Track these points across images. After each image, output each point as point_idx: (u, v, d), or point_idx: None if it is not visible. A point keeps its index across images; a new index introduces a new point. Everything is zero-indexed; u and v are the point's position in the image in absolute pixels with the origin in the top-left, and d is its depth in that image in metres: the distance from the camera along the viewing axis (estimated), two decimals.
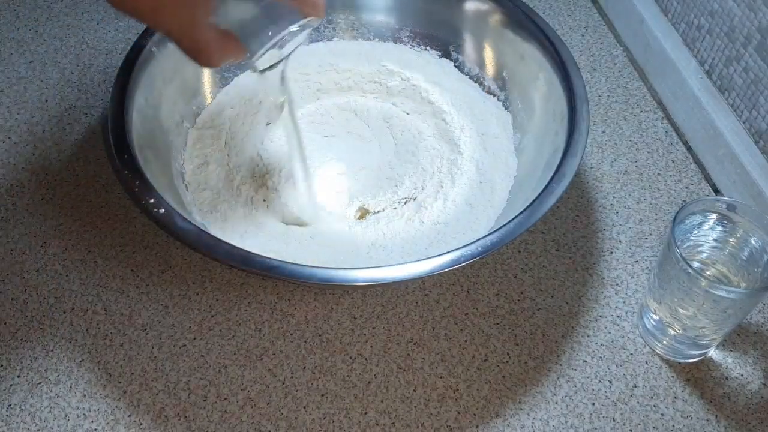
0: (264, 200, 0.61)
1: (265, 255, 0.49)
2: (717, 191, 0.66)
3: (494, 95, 0.68)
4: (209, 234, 0.50)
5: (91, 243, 0.62)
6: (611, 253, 0.62)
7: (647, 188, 0.66)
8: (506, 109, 0.67)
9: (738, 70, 0.63)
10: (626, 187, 0.66)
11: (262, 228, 0.59)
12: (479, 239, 0.50)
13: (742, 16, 0.61)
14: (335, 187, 0.63)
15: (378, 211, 0.61)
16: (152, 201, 0.51)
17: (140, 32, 0.62)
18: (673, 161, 0.68)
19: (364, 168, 0.64)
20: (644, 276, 0.60)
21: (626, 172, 0.67)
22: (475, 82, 0.69)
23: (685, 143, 0.69)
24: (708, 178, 0.67)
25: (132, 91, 0.58)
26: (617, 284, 0.60)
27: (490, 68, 0.69)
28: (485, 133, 0.65)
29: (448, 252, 0.49)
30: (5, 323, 0.57)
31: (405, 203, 0.62)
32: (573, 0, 0.83)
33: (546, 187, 0.53)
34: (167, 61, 0.62)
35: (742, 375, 0.55)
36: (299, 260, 0.56)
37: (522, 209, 0.52)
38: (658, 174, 0.67)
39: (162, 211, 0.51)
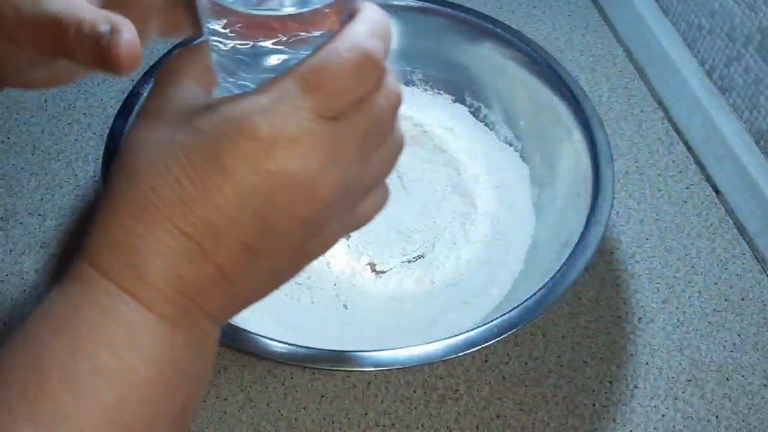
0: None
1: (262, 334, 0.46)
2: (717, 191, 0.66)
3: (510, 145, 0.64)
4: None
5: None
6: (611, 253, 0.62)
7: (647, 188, 0.66)
8: (523, 160, 0.63)
9: (739, 70, 0.63)
10: (626, 187, 0.66)
11: None
12: (495, 319, 0.46)
13: (742, 16, 0.61)
14: (341, 242, 0.58)
15: (386, 270, 0.57)
16: None
17: None
18: (673, 161, 0.68)
19: (372, 221, 0.59)
20: (644, 276, 0.60)
21: (626, 172, 0.67)
22: (491, 129, 0.65)
23: (686, 143, 0.69)
24: (708, 179, 0.67)
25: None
26: (617, 284, 0.60)
27: (506, 116, 0.64)
28: (501, 185, 0.61)
29: (462, 333, 0.46)
30: (5, 323, 0.57)
31: (415, 260, 0.58)
32: (573, 0, 0.83)
33: (568, 258, 0.49)
34: None
35: (742, 375, 0.55)
36: (304, 326, 0.53)
37: (542, 284, 0.48)
38: (659, 174, 0.67)
39: None
